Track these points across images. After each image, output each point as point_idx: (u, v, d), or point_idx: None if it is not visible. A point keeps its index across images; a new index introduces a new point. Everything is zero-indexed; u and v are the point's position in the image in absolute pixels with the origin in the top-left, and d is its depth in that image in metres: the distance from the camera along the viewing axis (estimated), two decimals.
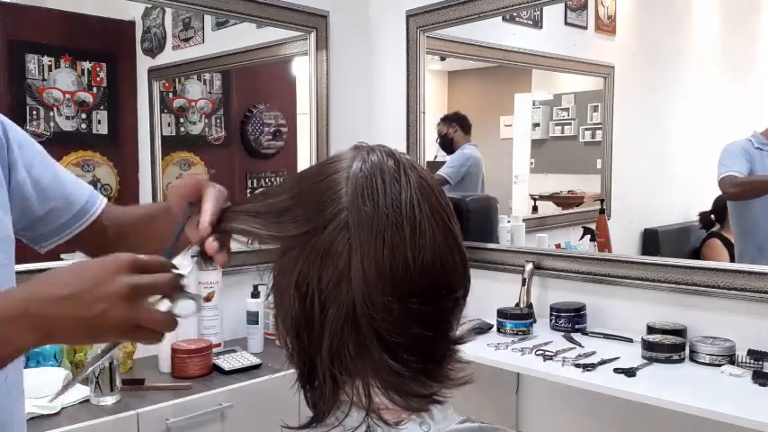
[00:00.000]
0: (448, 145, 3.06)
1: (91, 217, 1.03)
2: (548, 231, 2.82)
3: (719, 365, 1.71)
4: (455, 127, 3.04)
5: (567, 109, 2.91)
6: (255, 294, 2.25)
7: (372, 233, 0.62)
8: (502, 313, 2.11)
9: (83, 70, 2.32)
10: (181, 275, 0.71)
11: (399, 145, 2.65)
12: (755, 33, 2.63)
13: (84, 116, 2.33)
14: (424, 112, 2.66)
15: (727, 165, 2.19)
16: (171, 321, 0.70)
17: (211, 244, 0.72)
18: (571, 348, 1.91)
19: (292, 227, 0.65)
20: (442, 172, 3.05)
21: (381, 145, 0.70)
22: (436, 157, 3.09)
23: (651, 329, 1.89)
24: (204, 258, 0.74)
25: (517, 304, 2.21)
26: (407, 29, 2.62)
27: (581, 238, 2.62)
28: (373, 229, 0.62)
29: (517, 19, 2.67)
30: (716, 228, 2.45)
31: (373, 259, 0.62)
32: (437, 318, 0.65)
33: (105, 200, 1.07)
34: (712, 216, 2.46)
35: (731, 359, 1.72)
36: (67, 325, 0.66)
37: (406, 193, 0.64)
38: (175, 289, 0.71)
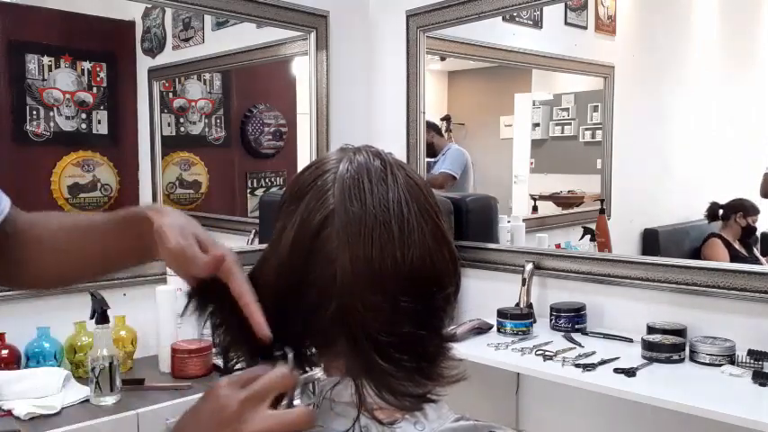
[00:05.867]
0: (430, 151, 3.10)
1: None
2: (548, 231, 2.81)
3: (719, 365, 1.71)
4: (431, 133, 3.07)
5: (567, 109, 2.91)
6: None
7: (360, 233, 0.63)
8: (502, 313, 2.10)
9: (83, 70, 2.32)
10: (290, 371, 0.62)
11: (399, 145, 2.65)
12: (755, 33, 2.63)
13: (84, 116, 2.33)
14: (424, 112, 2.66)
15: None
16: (305, 414, 0.60)
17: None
18: (571, 348, 1.91)
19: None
20: (446, 170, 3.06)
21: (368, 145, 0.71)
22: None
23: (651, 329, 1.89)
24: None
25: (517, 304, 2.21)
26: (407, 29, 2.62)
27: (581, 238, 2.62)
28: (361, 229, 0.63)
29: (517, 19, 2.67)
30: (720, 227, 2.46)
31: (362, 259, 0.62)
32: (429, 316, 0.65)
33: (9, 202, 0.89)
34: (720, 211, 2.45)
35: (731, 359, 1.72)
36: None
37: (393, 192, 0.65)
38: (291, 383, 0.62)
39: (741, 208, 2.42)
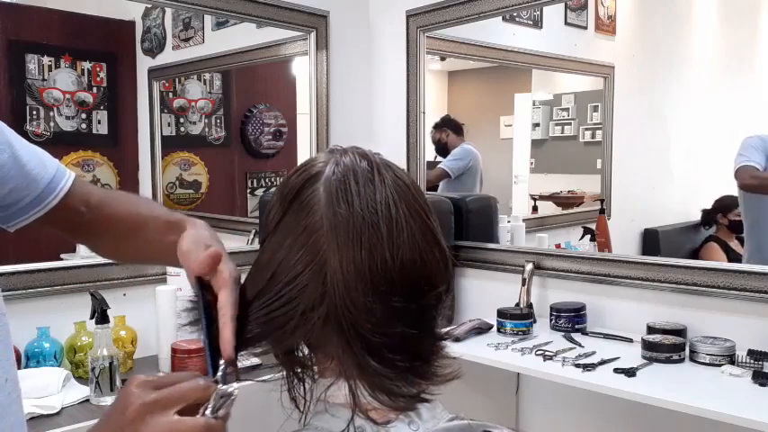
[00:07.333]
0: (443, 150, 3.10)
1: (55, 198, 0.94)
2: (548, 231, 2.82)
3: (719, 365, 1.71)
4: (447, 131, 3.09)
5: (567, 109, 2.91)
6: None
7: (349, 235, 0.63)
8: (502, 313, 2.10)
9: (83, 70, 2.32)
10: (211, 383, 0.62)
11: (399, 145, 2.65)
12: (755, 33, 2.63)
13: (84, 116, 2.33)
14: (424, 113, 2.66)
15: (747, 155, 2.15)
16: (202, 425, 0.58)
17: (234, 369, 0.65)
18: (571, 348, 1.91)
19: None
20: (443, 165, 3.07)
21: (355, 146, 0.70)
22: (436, 157, 3.11)
23: (651, 329, 1.89)
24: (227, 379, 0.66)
25: (517, 304, 2.21)
26: (407, 29, 2.62)
27: (581, 238, 2.62)
28: (350, 232, 0.63)
29: (517, 19, 2.67)
30: (714, 230, 2.46)
31: (352, 261, 0.62)
32: (421, 315, 0.66)
33: (72, 177, 0.97)
34: (718, 214, 2.46)
35: (731, 359, 1.72)
36: None
37: (381, 193, 0.65)
38: (205, 395, 0.61)
39: (720, 208, 2.43)
